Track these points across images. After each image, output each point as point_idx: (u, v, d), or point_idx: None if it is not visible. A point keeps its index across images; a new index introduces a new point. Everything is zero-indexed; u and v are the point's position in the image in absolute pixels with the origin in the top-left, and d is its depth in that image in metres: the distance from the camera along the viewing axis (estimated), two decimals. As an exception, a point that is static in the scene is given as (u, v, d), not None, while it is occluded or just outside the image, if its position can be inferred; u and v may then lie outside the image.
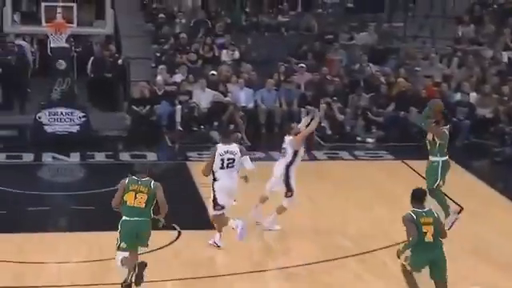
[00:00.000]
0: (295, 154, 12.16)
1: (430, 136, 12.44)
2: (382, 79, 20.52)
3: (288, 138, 12.36)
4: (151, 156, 16.76)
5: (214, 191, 11.34)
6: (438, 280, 8.93)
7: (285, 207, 12.02)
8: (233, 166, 11.31)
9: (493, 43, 22.44)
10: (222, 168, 11.20)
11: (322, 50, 22.18)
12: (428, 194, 10.23)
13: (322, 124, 18.87)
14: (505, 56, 21.75)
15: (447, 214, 12.14)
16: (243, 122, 18.94)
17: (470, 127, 18.98)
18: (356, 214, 13.19)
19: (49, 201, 13.96)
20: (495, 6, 24.48)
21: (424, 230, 8.85)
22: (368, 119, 19.18)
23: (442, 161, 12.40)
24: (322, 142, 18.32)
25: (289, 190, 12.06)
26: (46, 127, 17.56)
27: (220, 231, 11.38)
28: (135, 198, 9.42)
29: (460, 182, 15.07)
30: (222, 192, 11.29)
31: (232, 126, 18.76)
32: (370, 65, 21.42)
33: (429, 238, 8.88)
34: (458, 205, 13.62)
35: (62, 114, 17.73)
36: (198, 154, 17.14)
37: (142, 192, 9.42)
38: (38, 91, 19.18)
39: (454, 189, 13.90)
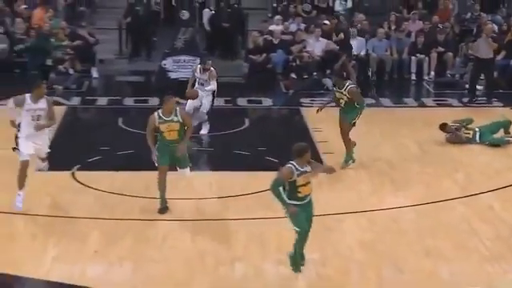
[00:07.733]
0: None
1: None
2: (495, 28, 19.56)
3: None
4: (266, 102, 16.49)
5: None
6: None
7: None
8: None
9: None
10: None
11: (433, -1, 21.41)
12: None
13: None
14: None
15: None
16: (354, 71, 17.59)
17: None
18: (464, 159, 12.65)
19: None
20: None
21: None
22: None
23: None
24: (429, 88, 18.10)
25: None
26: (170, 73, 17.28)
27: None
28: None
29: None
30: None
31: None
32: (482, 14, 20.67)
33: None
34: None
35: (184, 61, 17.44)
36: (311, 100, 16.70)
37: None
38: (164, 40, 18.98)
39: None
